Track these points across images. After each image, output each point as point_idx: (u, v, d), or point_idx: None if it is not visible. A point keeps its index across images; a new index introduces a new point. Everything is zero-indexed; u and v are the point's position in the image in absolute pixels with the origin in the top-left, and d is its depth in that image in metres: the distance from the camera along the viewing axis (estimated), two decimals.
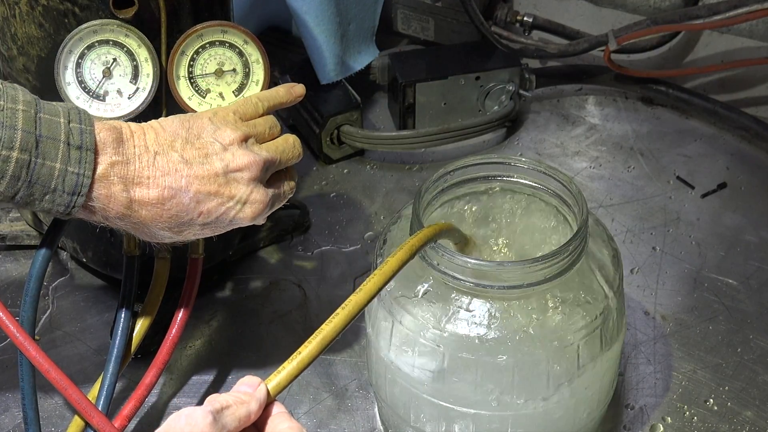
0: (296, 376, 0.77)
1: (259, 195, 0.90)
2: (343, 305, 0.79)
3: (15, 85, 0.83)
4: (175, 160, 0.86)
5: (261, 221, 0.93)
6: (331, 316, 0.79)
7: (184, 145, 0.87)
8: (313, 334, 0.78)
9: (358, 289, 0.81)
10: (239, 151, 0.89)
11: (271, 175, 0.93)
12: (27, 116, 0.81)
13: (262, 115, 0.95)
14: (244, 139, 0.90)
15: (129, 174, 0.84)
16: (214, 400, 0.72)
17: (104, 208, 0.84)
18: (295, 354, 0.77)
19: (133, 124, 0.87)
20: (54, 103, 0.85)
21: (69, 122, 0.83)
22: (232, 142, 0.89)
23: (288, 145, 0.94)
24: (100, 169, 0.83)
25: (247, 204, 0.89)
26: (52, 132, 0.81)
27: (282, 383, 0.76)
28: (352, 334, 1.15)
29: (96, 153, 0.83)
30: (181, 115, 0.91)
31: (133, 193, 0.85)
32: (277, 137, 0.95)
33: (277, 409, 0.76)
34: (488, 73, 1.42)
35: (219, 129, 0.89)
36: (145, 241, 0.91)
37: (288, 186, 0.95)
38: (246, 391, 0.75)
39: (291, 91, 0.99)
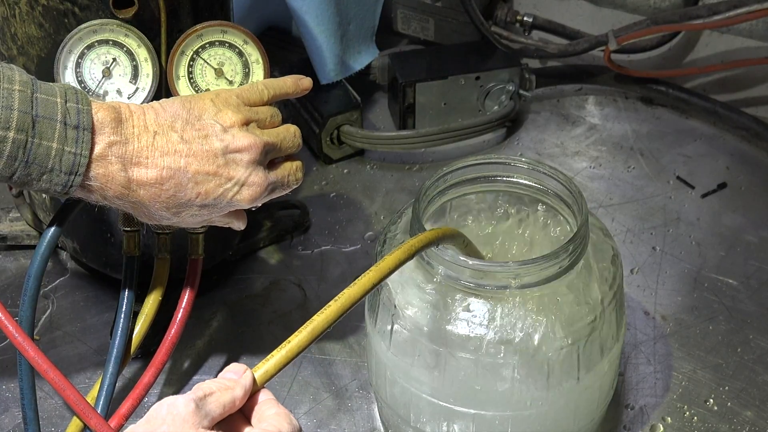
0: (285, 365, 0.77)
1: (258, 178, 0.90)
2: (336, 298, 0.79)
3: (12, 65, 0.83)
4: (175, 140, 0.86)
5: (275, 194, 0.92)
6: (323, 308, 0.79)
7: (184, 126, 0.87)
8: (304, 324, 0.78)
9: (352, 284, 0.81)
10: (240, 133, 0.89)
11: (272, 161, 0.93)
12: (23, 96, 0.81)
13: (267, 102, 0.95)
14: (246, 123, 0.90)
15: (127, 154, 0.84)
16: (198, 388, 0.72)
17: (102, 188, 0.84)
18: (284, 343, 0.77)
19: (132, 105, 0.87)
20: (51, 83, 0.84)
21: (66, 102, 0.82)
22: (233, 125, 0.89)
23: (289, 133, 0.94)
24: (98, 149, 0.83)
25: (245, 186, 0.89)
26: (49, 112, 0.81)
27: (270, 371, 0.76)
28: (352, 334, 1.15)
29: (93, 133, 0.82)
30: (182, 96, 0.90)
31: (132, 173, 0.84)
32: (278, 126, 0.95)
33: (265, 396, 0.76)
34: (488, 73, 1.42)
35: (221, 111, 0.89)
36: (144, 221, 0.91)
37: (294, 177, 0.94)
38: (231, 378, 0.75)
39: (299, 83, 0.98)
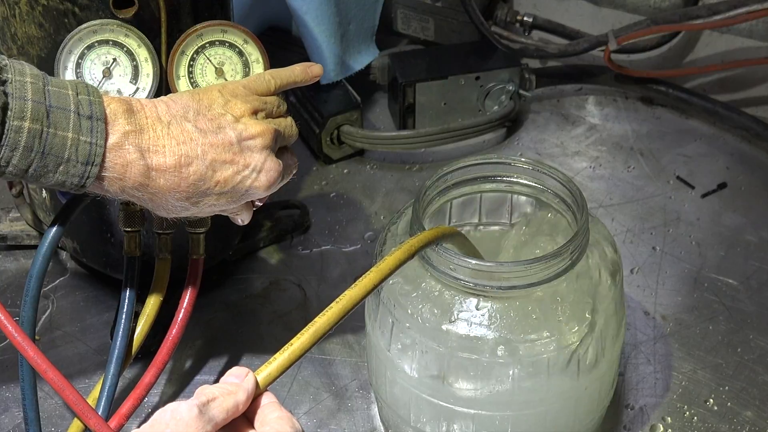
0: (287, 368, 0.77)
1: (273, 163, 0.90)
2: (337, 299, 0.79)
3: (21, 61, 0.83)
4: (189, 129, 0.86)
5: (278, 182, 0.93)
6: (325, 310, 0.79)
7: (196, 116, 0.87)
8: (306, 327, 0.78)
9: (353, 285, 0.81)
10: (250, 121, 0.89)
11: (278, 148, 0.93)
12: (35, 88, 0.81)
13: (274, 92, 0.95)
14: (255, 113, 0.90)
15: (144, 143, 0.84)
16: (201, 393, 0.72)
17: (121, 179, 0.84)
18: (286, 346, 0.77)
19: (142, 99, 0.87)
20: (60, 78, 0.84)
21: (77, 94, 0.82)
22: (243, 114, 0.89)
23: (288, 123, 0.95)
24: (113, 138, 0.83)
25: (262, 172, 0.89)
26: (62, 102, 0.81)
27: (272, 374, 0.76)
28: (352, 334, 1.15)
29: (106, 123, 0.82)
30: (191, 90, 0.91)
31: (150, 160, 0.84)
32: (282, 117, 0.95)
33: (268, 399, 0.76)
34: (488, 73, 1.42)
35: (229, 101, 0.89)
36: (161, 215, 0.91)
37: (293, 162, 0.95)
38: (233, 382, 0.75)
39: (308, 70, 0.98)
